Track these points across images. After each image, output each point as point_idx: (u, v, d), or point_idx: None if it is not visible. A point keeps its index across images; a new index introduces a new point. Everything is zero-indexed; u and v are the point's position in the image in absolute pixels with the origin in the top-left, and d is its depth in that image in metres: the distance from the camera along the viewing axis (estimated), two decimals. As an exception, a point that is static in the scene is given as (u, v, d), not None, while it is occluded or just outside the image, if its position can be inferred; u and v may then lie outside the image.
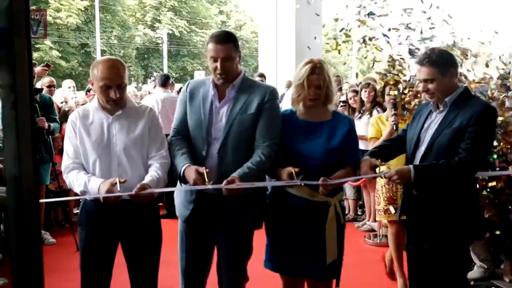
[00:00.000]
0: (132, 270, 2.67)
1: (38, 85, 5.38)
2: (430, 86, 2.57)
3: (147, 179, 2.48)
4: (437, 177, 2.51)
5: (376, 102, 5.41)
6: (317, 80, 2.60)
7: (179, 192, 2.73)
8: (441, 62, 2.55)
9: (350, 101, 5.83)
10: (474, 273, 4.03)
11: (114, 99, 2.50)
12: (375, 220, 5.51)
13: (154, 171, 2.53)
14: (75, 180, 2.50)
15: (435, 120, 2.64)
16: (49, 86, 5.74)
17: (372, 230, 5.50)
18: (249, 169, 2.51)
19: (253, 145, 2.60)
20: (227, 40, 2.56)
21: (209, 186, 2.39)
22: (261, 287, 3.33)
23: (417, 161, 2.64)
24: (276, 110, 2.68)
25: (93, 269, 2.58)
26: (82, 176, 2.49)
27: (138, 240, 2.61)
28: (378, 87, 5.17)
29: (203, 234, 2.71)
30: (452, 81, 2.61)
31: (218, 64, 2.55)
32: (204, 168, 2.44)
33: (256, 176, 2.57)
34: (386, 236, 5.21)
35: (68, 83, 6.52)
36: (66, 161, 2.57)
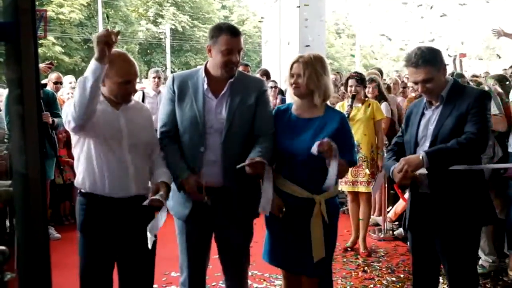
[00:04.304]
0: (125, 270, 2.56)
1: (43, 80, 5.41)
2: (429, 85, 2.55)
3: (166, 174, 2.52)
4: (450, 156, 2.48)
5: (382, 96, 5.42)
6: (296, 68, 2.65)
7: (173, 193, 2.63)
8: (435, 59, 2.56)
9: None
10: (479, 267, 4.02)
11: (130, 94, 2.48)
12: (380, 215, 5.51)
13: (166, 168, 2.55)
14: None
15: (433, 115, 2.63)
16: (56, 83, 5.78)
17: (377, 224, 5.50)
18: (261, 153, 2.50)
19: (251, 136, 2.61)
20: (239, 33, 2.59)
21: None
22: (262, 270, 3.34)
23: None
24: (269, 102, 2.76)
25: (97, 278, 2.46)
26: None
27: (134, 241, 2.49)
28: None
29: (203, 226, 2.70)
30: (444, 76, 2.65)
31: (233, 57, 2.54)
32: (203, 180, 2.47)
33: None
34: (392, 230, 5.22)
35: (69, 78, 6.52)
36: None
